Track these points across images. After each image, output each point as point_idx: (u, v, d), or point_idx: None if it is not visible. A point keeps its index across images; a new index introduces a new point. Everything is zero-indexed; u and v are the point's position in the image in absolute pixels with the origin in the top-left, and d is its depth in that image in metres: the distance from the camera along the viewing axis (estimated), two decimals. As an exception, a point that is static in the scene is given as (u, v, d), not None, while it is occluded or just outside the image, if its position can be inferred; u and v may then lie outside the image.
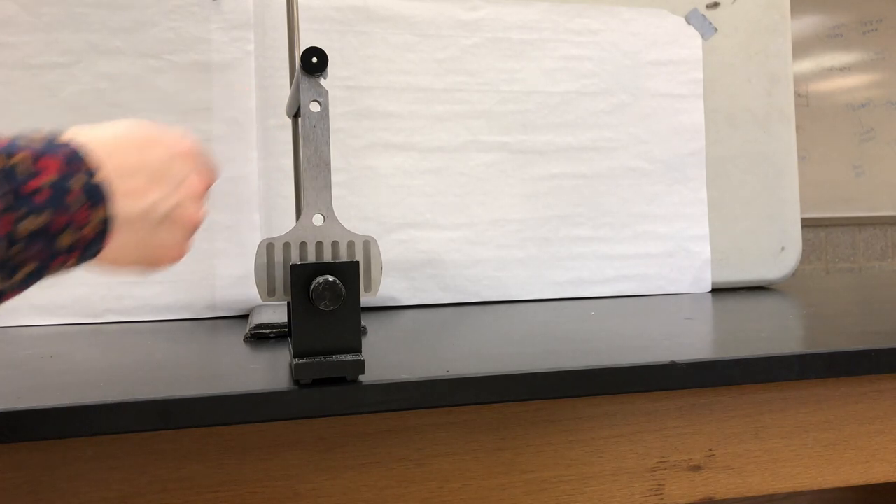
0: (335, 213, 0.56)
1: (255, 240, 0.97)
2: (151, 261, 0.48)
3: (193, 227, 0.50)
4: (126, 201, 0.44)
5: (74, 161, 0.41)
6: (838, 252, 2.89)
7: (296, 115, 0.84)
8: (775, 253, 1.20)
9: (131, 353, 0.72)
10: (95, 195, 0.41)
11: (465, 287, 1.07)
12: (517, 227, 1.09)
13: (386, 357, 0.66)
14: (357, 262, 0.55)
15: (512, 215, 1.09)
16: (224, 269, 0.97)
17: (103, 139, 0.44)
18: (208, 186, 0.53)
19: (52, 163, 0.40)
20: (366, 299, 0.66)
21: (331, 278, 0.53)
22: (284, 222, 0.99)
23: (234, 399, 0.54)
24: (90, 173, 0.41)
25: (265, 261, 0.56)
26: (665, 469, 0.65)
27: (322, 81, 0.55)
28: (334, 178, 1.02)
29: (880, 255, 2.93)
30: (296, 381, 0.55)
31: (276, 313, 0.85)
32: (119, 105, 0.95)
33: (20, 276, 0.39)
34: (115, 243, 0.44)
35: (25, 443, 0.53)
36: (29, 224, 0.38)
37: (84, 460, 0.55)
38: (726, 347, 0.69)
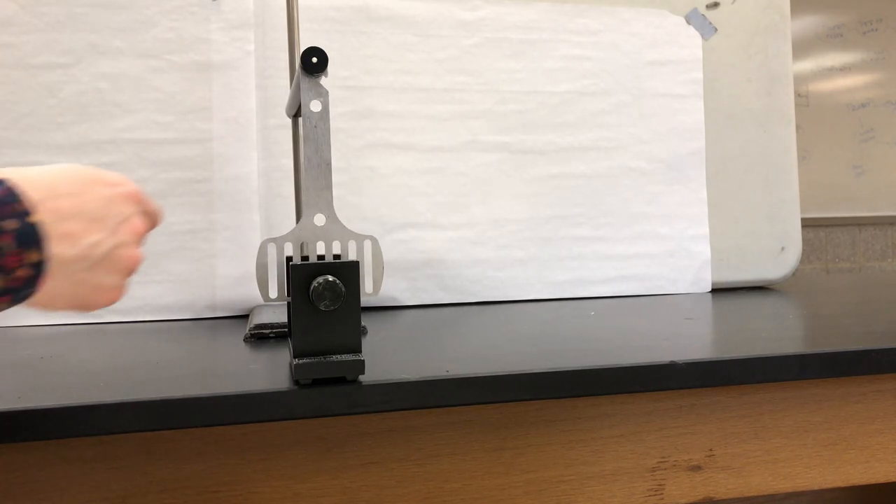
0: (336, 213, 0.56)
1: (255, 240, 0.97)
2: (87, 303, 0.47)
3: (132, 268, 0.49)
4: (62, 244, 0.42)
5: (7, 202, 0.39)
6: (838, 252, 2.89)
7: (296, 114, 0.84)
8: (775, 253, 1.20)
9: (131, 353, 0.72)
10: (29, 238, 0.39)
11: (465, 287, 1.07)
12: (517, 227, 1.09)
13: (386, 357, 0.66)
14: (357, 262, 0.55)
15: (512, 215, 1.09)
16: (224, 269, 0.97)
17: (37, 181, 0.42)
18: (151, 228, 0.53)
19: None
20: (367, 299, 0.66)
21: (331, 278, 0.53)
22: (284, 222, 0.99)
23: (233, 399, 0.54)
24: (24, 214, 0.39)
25: (266, 260, 0.56)
26: (665, 469, 0.65)
27: (322, 81, 0.55)
28: (334, 178, 1.02)
29: (880, 255, 2.93)
30: (296, 381, 0.55)
31: (276, 313, 0.85)
32: (119, 105, 0.95)
33: None
34: (50, 286, 0.42)
35: (25, 443, 0.53)
36: None
37: (84, 460, 0.55)
38: (726, 347, 0.69)
